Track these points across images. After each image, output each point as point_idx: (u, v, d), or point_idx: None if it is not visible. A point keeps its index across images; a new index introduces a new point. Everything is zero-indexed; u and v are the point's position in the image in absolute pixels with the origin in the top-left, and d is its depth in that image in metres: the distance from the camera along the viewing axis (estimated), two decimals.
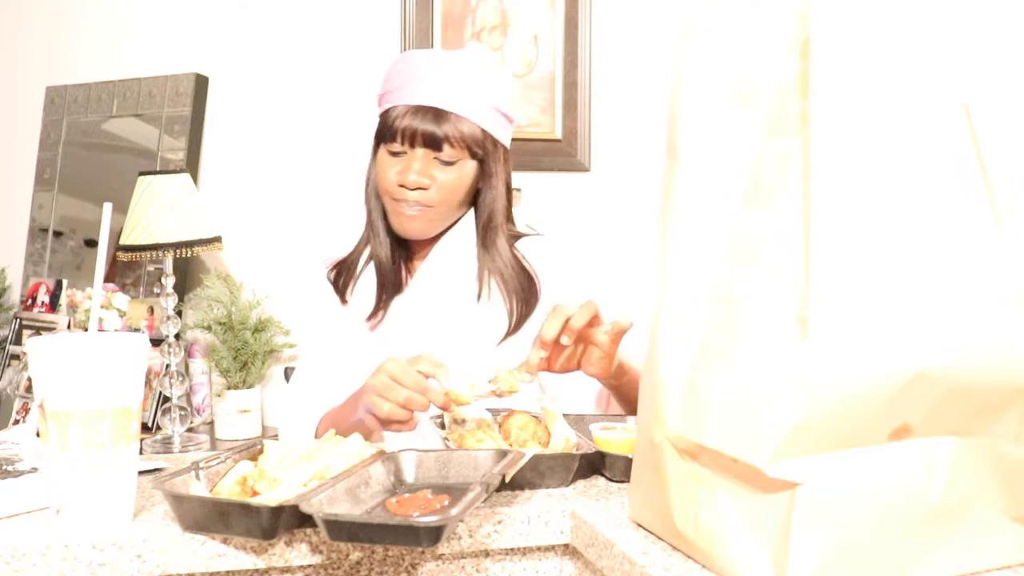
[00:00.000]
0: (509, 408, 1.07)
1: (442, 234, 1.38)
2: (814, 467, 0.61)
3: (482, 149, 1.32)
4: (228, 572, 0.78)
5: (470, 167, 1.32)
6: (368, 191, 1.39)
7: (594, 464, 0.95)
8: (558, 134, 2.49)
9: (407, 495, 0.79)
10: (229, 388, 2.18)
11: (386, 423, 1.03)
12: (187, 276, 2.29)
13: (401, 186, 1.30)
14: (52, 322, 2.32)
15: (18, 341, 2.36)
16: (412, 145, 1.29)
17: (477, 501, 0.72)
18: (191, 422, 2.15)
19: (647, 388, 0.72)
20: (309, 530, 0.78)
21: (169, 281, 2.01)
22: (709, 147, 0.68)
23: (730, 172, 0.66)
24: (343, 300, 1.42)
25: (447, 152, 1.29)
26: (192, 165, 2.30)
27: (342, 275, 1.42)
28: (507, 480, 0.79)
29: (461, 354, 1.25)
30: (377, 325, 1.38)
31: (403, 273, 1.40)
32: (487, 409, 1.07)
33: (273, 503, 0.73)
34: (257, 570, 0.79)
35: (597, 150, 2.52)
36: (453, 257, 1.38)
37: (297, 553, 0.78)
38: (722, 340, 0.65)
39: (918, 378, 0.60)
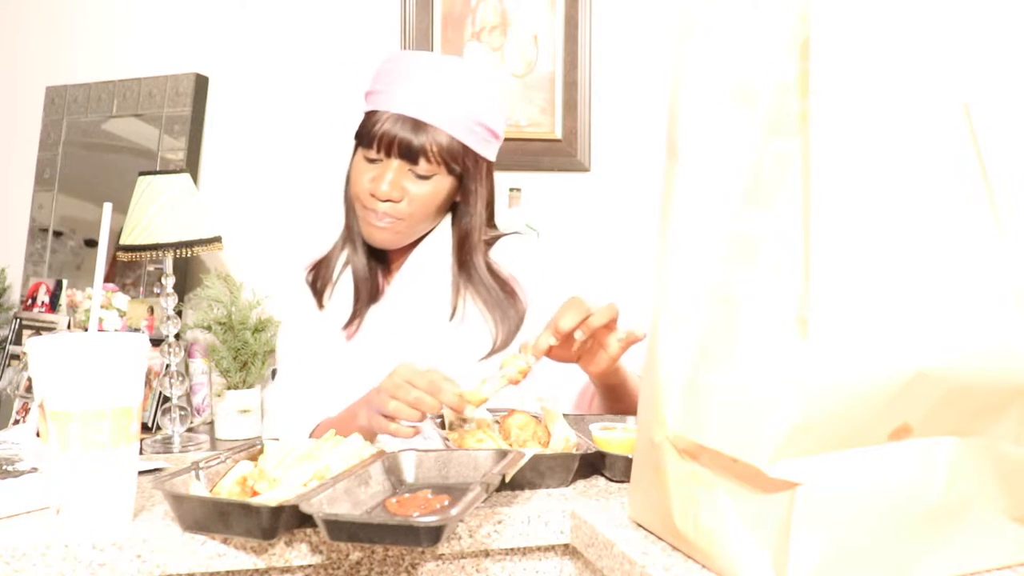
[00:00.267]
0: (509, 408, 1.07)
1: (419, 241, 1.35)
2: (814, 467, 0.61)
3: (460, 165, 1.28)
4: (228, 572, 0.78)
5: (446, 182, 1.29)
6: (346, 191, 1.36)
7: (594, 464, 0.95)
8: (558, 134, 2.49)
9: (407, 495, 0.79)
10: (229, 388, 2.18)
11: (392, 420, 1.03)
12: (187, 276, 2.29)
13: (372, 195, 1.27)
14: (52, 322, 2.32)
15: (18, 341, 2.36)
16: (388, 155, 1.25)
17: (477, 501, 0.72)
18: (191, 422, 2.15)
19: (647, 388, 0.72)
20: (309, 530, 0.78)
21: (169, 281, 2.01)
22: (709, 147, 0.68)
23: (730, 172, 0.66)
24: (320, 305, 1.38)
25: (423, 166, 1.25)
26: (192, 165, 2.30)
27: (319, 278, 1.39)
28: (507, 480, 0.79)
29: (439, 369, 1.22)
30: (354, 334, 1.35)
31: (380, 280, 1.37)
32: (487, 409, 1.07)
33: (273, 503, 0.73)
34: (257, 570, 0.79)
35: (597, 150, 2.52)
36: (427, 271, 1.35)
37: (297, 553, 0.78)
38: (722, 340, 0.65)
39: (918, 378, 0.60)
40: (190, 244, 2.00)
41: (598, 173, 2.52)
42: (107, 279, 2.28)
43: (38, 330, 2.33)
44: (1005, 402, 0.65)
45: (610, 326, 1.07)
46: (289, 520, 0.74)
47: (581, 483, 0.93)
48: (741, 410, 0.63)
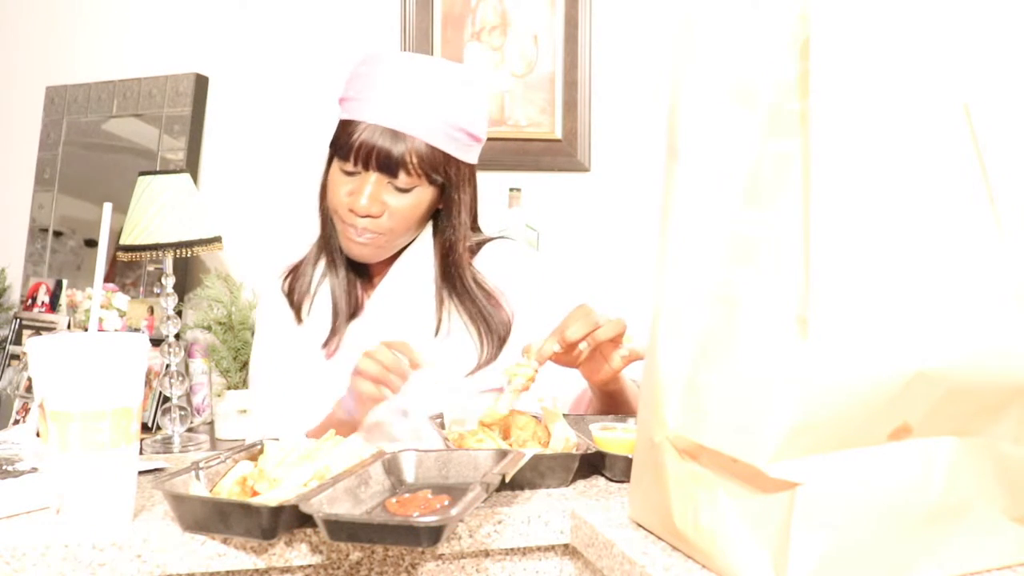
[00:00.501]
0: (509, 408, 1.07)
1: (400, 252, 1.30)
2: (814, 467, 0.61)
3: (442, 175, 1.22)
4: (228, 572, 0.78)
5: (428, 192, 1.23)
6: (321, 203, 1.29)
7: (594, 464, 0.95)
8: (558, 134, 2.49)
9: (407, 495, 0.79)
10: (229, 388, 2.18)
11: (369, 379, 1.06)
12: (187, 276, 2.29)
13: (351, 211, 1.21)
14: (52, 322, 2.32)
15: (18, 341, 2.36)
16: (367, 168, 1.20)
17: (477, 501, 0.72)
18: (191, 422, 2.15)
19: (647, 388, 0.72)
20: (309, 530, 0.78)
21: (169, 281, 2.01)
22: (709, 147, 0.68)
23: (730, 172, 0.66)
24: (298, 319, 1.33)
25: (403, 179, 1.20)
26: (192, 165, 2.30)
27: (295, 290, 1.33)
28: (507, 480, 0.79)
29: (426, 387, 1.14)
30: (333, 353, 1.29)
31: (360, 294, 1.32)
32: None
33: (273, 503, 0.73)
34: (257, 570, 0.79)
35: (597, 150, 2.52)
36: (409, 284, 1.30)
37: (297, 553, 0.78)
38: (722, 340, 0.65)
39: (918, 378, 0.60)
40: (190, 244, 2.00)
41: (598, 173, 2.52)
42: (107, 279, 2.28)
43: (38, 330, 2.33)
44: (1005, 402, 0.65)
45: (616, 340, 1.06)
46: (289, 520, 0.74)
47: (581, 483, 0.93)
48: (741, 410, 0.63)
